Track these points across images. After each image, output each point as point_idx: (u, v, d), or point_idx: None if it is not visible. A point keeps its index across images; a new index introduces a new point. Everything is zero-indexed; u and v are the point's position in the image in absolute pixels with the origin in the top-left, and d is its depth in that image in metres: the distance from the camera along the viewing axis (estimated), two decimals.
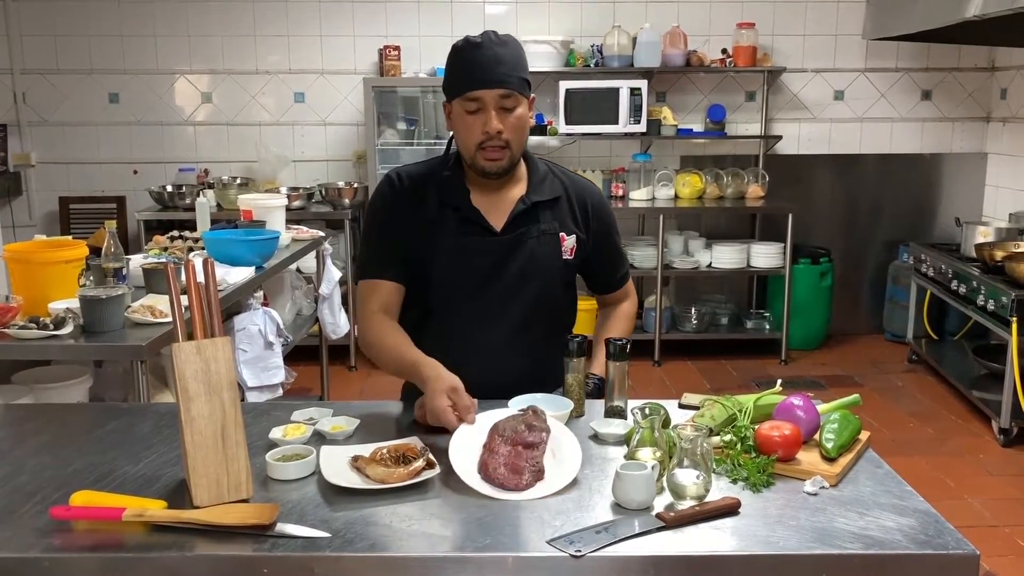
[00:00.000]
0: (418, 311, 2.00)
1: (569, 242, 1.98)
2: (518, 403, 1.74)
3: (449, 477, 1.48)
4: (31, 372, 2.62)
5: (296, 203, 5.02)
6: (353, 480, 1.47)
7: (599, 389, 1.95)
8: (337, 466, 1.52)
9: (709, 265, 5.41)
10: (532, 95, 1.91)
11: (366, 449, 1.56)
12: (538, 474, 1.46)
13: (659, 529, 1.32)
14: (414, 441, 1.59)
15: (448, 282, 1.94)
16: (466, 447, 1.53)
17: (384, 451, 1.52)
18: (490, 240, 1.93)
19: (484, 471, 1.47)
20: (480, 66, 1.82)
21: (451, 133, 1.96)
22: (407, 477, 1.45)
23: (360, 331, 1.97)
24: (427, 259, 1.94)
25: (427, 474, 1.47)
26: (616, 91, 5.12)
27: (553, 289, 2.00)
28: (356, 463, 1.51)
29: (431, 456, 1.51)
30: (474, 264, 1.93)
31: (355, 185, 5.28)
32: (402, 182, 1.98)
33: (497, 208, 1.95)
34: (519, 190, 1.97)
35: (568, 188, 2.02)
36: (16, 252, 2.62)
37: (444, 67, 1.92)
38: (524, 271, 1.94)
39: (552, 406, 1.75)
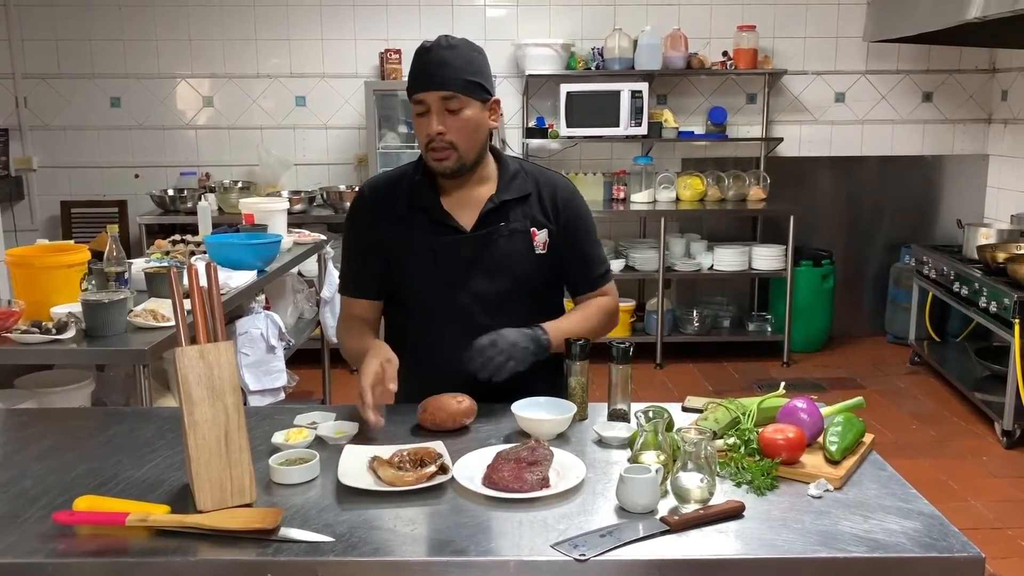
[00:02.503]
0: (401, 317, 2.03)
1: (541, 236, 1.99)
2: (521, 407, 1.74)
3: (453, 482, 1.48)
4: (33, 376, 2.62)
5: (297, 207, 5.03)
6: (363, 481, 1.47)
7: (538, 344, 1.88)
8: (354, 464, 1.53)
9: (711, 267, 5.40)
10: (494, 97, 1.93)
11: (388, 450, 1.56)
12: (543, 482, 1.46)
13: (663, 533, 1.32)
14: (437, 445, 1.58)
15: (422, 284, 1.96)
16: (470, 468, 1.52)
17: (405, 453, 1.53)
18: (459, 239, 1.94)
19: (488, 480, 1.47)
20: (424, 69, 1.87)
21: None
22: (415, 481, 1.45)
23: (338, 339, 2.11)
24: (400, 263, 1.97)
25: (438, 479, 1.47)
26: (617, 94, 5.13)
27: (530, 285, 1.99)
28: (373, 463, 1.51)
29: (446, 462, 1.51)
30: (446, 264, 1.94)
31: (356, 188, 5.28)
32: (372, 193, 2.03)
33: (467, 208, 1.97)
34: (488, 189, 1.98)
35: (539, 183, 2.03)
36: (18, 256, 2.62)
37: None
38: (496, 268, 1.95)
39: (555, 409, 1.75)
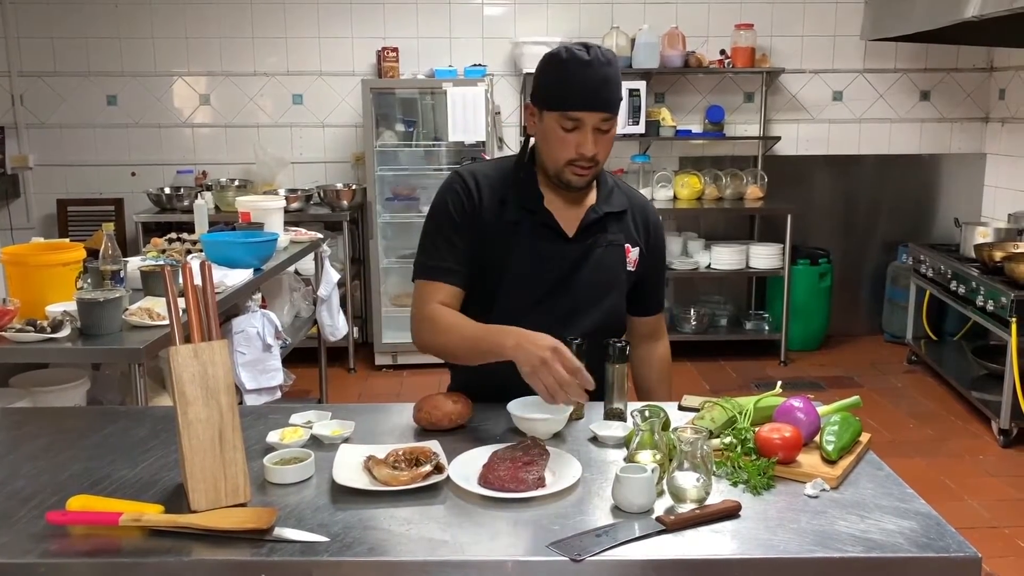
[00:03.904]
0: (483, 312, 1.94)
1: (633, 254, 2.01)
2: (517, 406, 1.74)
3: (449, 482, 1.48)
4: (28, 375, 2.61)
5: (294, 205, 5.02)
6: (359, 480, 1.47)
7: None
8: (349, 465, 1.52)
9: (708, 266, 5.40)
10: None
11: (383, 449, 1.55)
12: (539, 481, 1.45)
13: (659, 532, 1.32)
14: (432, 444, 1.58)
15: (518, 285, 1.93)
16: (466, 468, 1.52)
17: (400, 452, 1.52)
18: (562, 246, 1.93)
19: (484, 480, 1.46)
20: (587, 87, 1.78)
21: (530, 135, 1.95)
22: (411, 481, 1.44)
23: (416, 328, 1.92)
24: (500, 262, 1.92)
25: (434, 479, 1.46)
26: None
27: (616, 299, 2.00)
28: (368, 463, 1.51)
29: (442, 461, 1.50)
30: (545, 269, 1.93)
31: (353, 187, 5.27)
32: (477, 184, 1.94)
33: (568, 215, 1.95)
34: (589, 199, 1.97)
35: (632, 202, 2.04)
36: (13, 255, 2.61)
37: (536, 72, 1.88)
38: (592, 279, 1.95)
39: (550, 408, 1.74)
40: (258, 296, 3.50)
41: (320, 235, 4.04)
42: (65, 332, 2.35)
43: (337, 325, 4.07)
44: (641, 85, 5.14)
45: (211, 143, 5.57)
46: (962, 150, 5.76)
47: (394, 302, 5.36)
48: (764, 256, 5.36)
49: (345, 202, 5.21)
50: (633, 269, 2.02)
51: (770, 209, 5.43)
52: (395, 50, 5.25)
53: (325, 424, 1.72)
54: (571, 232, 1.94)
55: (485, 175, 1.97)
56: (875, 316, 5.86)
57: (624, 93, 5.09)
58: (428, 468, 1.47)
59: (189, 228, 3.68)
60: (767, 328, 5.54)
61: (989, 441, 4.16)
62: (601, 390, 1.82)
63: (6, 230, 5.50)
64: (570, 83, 1.79)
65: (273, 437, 1.65)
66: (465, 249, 1.92)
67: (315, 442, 1.66)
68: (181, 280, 1.48)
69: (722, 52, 5.40)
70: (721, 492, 1.45)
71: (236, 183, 5.28)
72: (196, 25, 5.43)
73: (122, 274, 2.72)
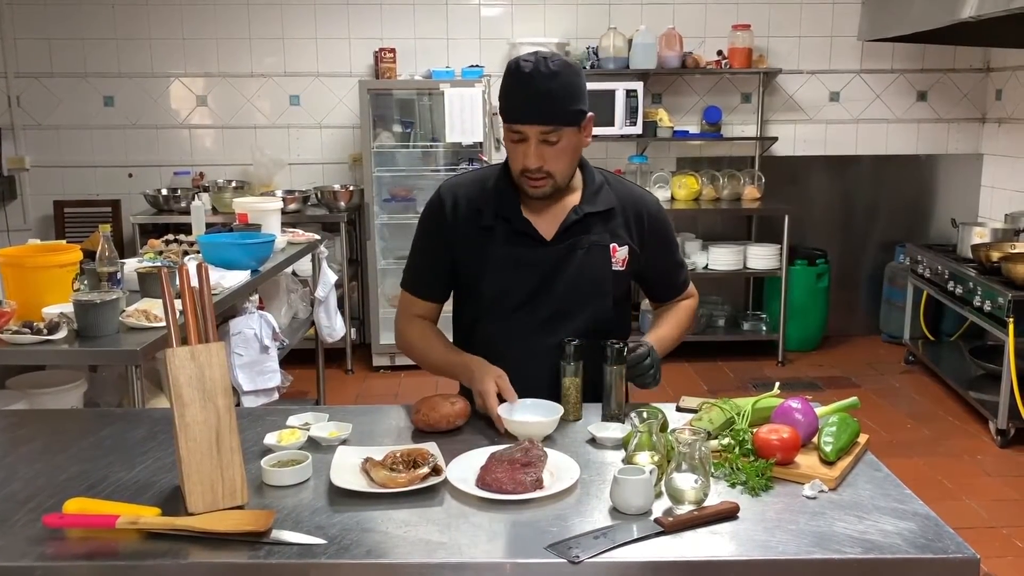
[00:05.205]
0: (471, 317, 2.01)
1: (621, 253, 1.98)
2: (508, 409, 1.74)
3: (447, 484, 1.48)
4: (25, 377, 2.60)
5: (292, 206, 5.02)
6: (356, 483, 1.47)
7: (645, 354, 1.90)
8: (347, 467, 1.52)
9: (706, 267, 5.41)
10: (589, 114, 1.87)
11: (381, 451, 1.55)
12: (536, 483, 1.45)
13: (658, 534, 1.32)
14: (430, 446, 1.58)
15: (498, 292, 1.94)
16: (464, 470, 1.52)
17: (397, 455, 1.52)
18: (539, 250, 1.93)
19: (482, 482, 1.46)
20: (526, 100, 1.80)
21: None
22: (408, 483, 1.44)
23: (398, 333, 2.09)
24: (478, 270, 1.94)
25: (431, 480, 1.46)
26: (612, 93, 5.12)
27: (603, 300, 1.98)
28: (365, 465, 1.51)
29: (439, 463, 1.50)
30: (524, 274, 1.93)
31: (351, 188, 5.27)
32: (455, 199, 1.97)
33: (548, 218, 1.95)
34: (573, 200, 1.96)
35: (624, 199, 2.01)
36: (10, 256, 2.61)
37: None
38: (573, 282, 1.94)
39: (543, 411, 1.74)
40: (255, 297, 3.49)
41: (317, 236, 4.04)
42: (62, 334, 2.34)
43: (335, 326, 4.07)
44: (638, 86, 5.14)
45: (208, 144, 5.56)
46: (959, 150, 5.77)
47: (392, 303, 5.34)
48: (761, 256, 5.37)
49: (342, 203, 5.21)
50: (622, 268, 1.98)
51: (767, 210, 5.43)
52: (392, 51, 5.25)
53: (322, 426, 1.72)
54: (549, 236, 1.94)
55: (465, 187, 2.00)
56: (872, 316, 5.86)
57: (621, 94, 5.16)
58: (426, 470, 1.47)
59: (186, 229, 3.68)
60: (765, 328, 5.54)
61: (987, 441, 4.16)
62: (599, 391, 1.82)
63: (3, 232, 5.50)
64: (511, 95, 1.84)
65: (270, 439, 1.65)
66: (441, 265, 2.01)
67: (312, 444, 1.66)
68: (178, 282, 1.48)
69: (719, 53, 5.40)
70: (719, 493, 1.45)
71: (233, 184, 5.27)
72: (193, 26, 5.42)
73: (119, 276, 2.72)
